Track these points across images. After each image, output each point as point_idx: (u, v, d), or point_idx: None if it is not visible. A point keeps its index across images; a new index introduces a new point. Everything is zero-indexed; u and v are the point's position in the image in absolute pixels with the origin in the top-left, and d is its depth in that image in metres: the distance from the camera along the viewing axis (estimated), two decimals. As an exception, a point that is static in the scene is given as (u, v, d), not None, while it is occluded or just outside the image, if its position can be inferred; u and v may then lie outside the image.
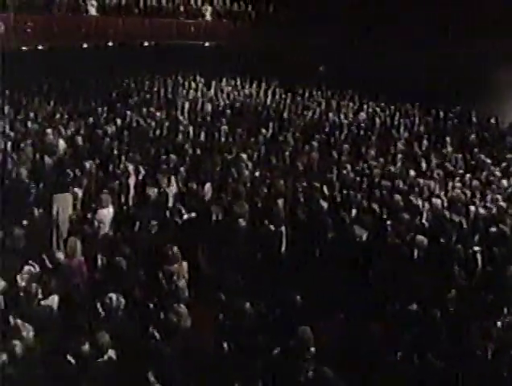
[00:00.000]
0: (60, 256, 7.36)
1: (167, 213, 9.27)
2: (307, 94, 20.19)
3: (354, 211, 9.57)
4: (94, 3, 21.36)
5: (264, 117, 16.63)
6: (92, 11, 21.38)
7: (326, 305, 7.03)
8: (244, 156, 11.79)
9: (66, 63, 19.25)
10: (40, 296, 6.61)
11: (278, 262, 8.25)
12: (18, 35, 18.42)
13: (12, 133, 12.73)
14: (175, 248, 7.34)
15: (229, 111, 16.69)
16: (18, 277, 6.87)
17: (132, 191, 10.25)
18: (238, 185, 10.10)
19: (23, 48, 19.01)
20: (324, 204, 9.65)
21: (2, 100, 15.82)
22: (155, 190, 9.69)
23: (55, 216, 9.03)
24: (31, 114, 14.57)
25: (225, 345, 5.96)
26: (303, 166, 12.00)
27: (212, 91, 19.63)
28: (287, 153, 12.76)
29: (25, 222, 8.58)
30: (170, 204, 9.78)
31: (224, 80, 21.27)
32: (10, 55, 18.15)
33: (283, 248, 8.62)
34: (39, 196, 9.43)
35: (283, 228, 8.69)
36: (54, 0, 19.94)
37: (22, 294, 6.71)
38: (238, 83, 21.27)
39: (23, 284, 6.78)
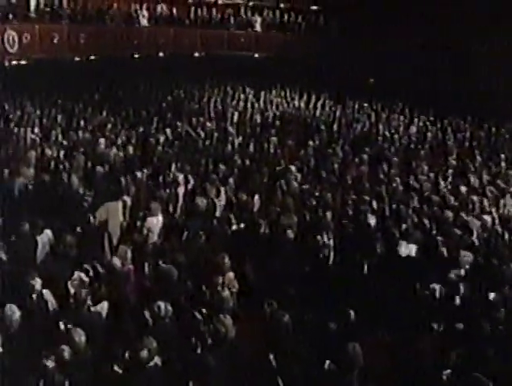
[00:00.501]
0: (117, 262, 7.47)
1: (216, 223, 9.37)
2: (356, 106, 20.10)
3: (404, 226, 9.46)
4: (146, 14, 21.85)
5: (313, 128, 16.64)
6: (144, 22, 21.90)
7: (374, 321, 6.96)
8: (293, 168, 11.83)
9: (118, 73, 19.80)
10: (90, 302, 6.71)
11: (325, 275, 8.21)
12: (71, 46, 19.00)
13: (65, 142, 13.13)
14: (226, 259, 7.39)
15: (278, 122, 16.80)
16: (69, 284, 7.02)
17: (181, 201, 10.38)
18: (287, 197, 10.13)
19: (76, 58, 19.59)
20: (373, 218, 9.58)
21: (55, 109, 16.40)
22: (204, 200, 9.78)
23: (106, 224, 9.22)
24: (83, 123, 14.97)
25: (272, 357, 5.96)
26: (352, 178, 11.95)
27: (262, 102, 19.76)
28: (336, 165, 12.73)
29: (78, 229, 8.76)
30: (218, 214, 9.89)
31: (273, 91, 21.39)
32: (63, 64, 18.88)
33: (331, 261, 8.59)
34: (91, 204, 9.62)
35: (331, 241, 8.67)
36: (107, 11, 20.50)
37: (72, 301, 6.87)
38: (288, 94, 21.36)
39: (73, 290, 6.91)
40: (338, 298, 7.11)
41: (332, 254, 8.65)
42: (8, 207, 9.23)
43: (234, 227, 9.02)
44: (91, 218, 8.92)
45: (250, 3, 24.86)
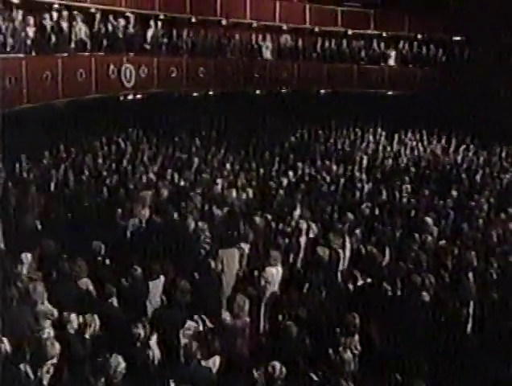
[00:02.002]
0: (227, 316, 7.79)
1: (339, 277, 9.49)
2: (504, 153, 19.54)
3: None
4: (269, 46, 22.54)
5: (453, 177, 16.41)
6: (267, 55, 22.58)
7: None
8: (429, 220, 11.72)
9: (237, 109, 20.54)
10: (200, 356, 6.87)
11: (462, 346, 8.05)
12: (189, 80, 20.04)
13: (182, 182, 13.92)
14: (357, 319, 7.47)
15: (412, 168, 16.76)
16: (181, 333, 7.40)
17: (302, 251, 10.62)
18: (420, 252, 10.08)
19: (194, 94, 20.57)
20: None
21: (171, 146, 17.39)
22: (327, 251, 9.97)
23: (222, 272, 9.61)
24: (201, 162, 15.80)
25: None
26: (498, 236, 11.65)
27: (395, 145, 19.77)
28: (480, 220, 12.47)
29: (193, 275, 9.21)
30: (342, 268, 10.03)
31: (408, 133, 21.33)
32: (180, 100, 19.93)
33: (469, 329, 8.42)
34: (207, 249, 10.09)
35: (471, 307, 8.50)
36: (228, 42, 21.39)
37: (181, 351, 7.21)
38: (424, 137, 21.21)
39: (185, 340, 7.23)
40: (476, 376, 6.96)
41: (471, 322, 8.47)
42: (120, 249, 9.93)
43: (360, 282, 9.09)
44: (209, 264, 9.30)
45: (384, 34, 24.92)
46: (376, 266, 9.71)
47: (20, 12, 13.71)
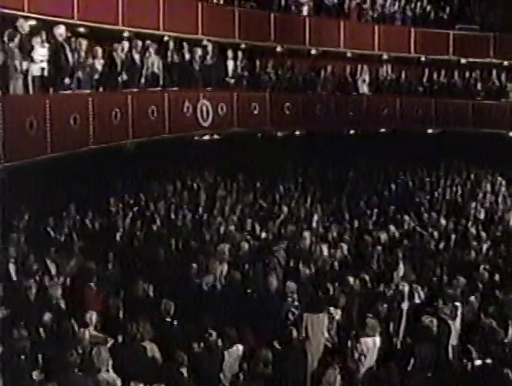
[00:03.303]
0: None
1: (450, 353, 9.26)
2: None
3: None
4: (366, 78, 22.52)
5: None
6: (364, 89, 22.56)
7: None
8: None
9: (328, 152, 20.60)
10: None
11: None
12: (273, 118, 20.04)
13: (263, 234, 14.06)
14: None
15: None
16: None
17: (405, 319, 10.46)
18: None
19: (279, 133, 20.71)
20: None
21: (252, 192, 17.62)
22: (435, 320, 9.77)
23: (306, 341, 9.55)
24: (285, 210, 15.93)
25: None
26: None
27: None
28: None
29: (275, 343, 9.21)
30: (453, 341, 9.79)
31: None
32: (263, 141, 20.14)
33: None
34: (292, 313, 10.07)
35: None
36: (317, 75, 21.51)
37: None
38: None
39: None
40: None
41: None
42: (192, 309, 10.05)
43: (478, 362, 8.81)
44: (291, 330, 9.28)
45: (505, 63, 24.43)
46: (496, 343, 9.40)
47: (86, 42, 13.97)
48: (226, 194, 17.55)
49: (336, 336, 9.97)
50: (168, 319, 9.32)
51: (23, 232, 12.87)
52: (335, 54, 22.18)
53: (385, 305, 10.61)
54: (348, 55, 22.29)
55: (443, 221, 15.94)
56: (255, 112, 19.47)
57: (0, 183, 9.50)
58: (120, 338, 8.95)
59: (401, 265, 12.13)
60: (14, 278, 10.94)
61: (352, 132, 22.20)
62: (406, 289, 10.83)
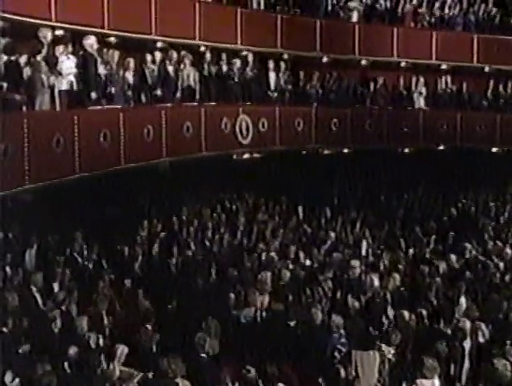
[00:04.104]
0: None
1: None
2: None
3: None
4: (423, 91, 22.31)
5: None
6: (421, 103, 22.36)
7: None
8: None
9: (379, 171, 20.57)
10: None
11: None
12: (319, 135, 19.99)
13: (308, 261, 14.08)
14: None
15: None
16: None
17: (467, 360, 10.34)
18: None
19: (325, 152, 20.66)
20: None
21: (294, 216, 17.62)
22: (507, 363, 9.57)
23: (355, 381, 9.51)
24: (331, 236, 15.91)
25: None
26: None
27: None
28: None
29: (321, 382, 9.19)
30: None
31: None
32: (308, 159, 20.11)
33: None
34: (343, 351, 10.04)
35: None
36: (368, 88, 21.42)
37: None
38: None
39: None
40: None
41: None
42: (229, 344, 10.05)
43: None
44: (339, 370, 9.25)
45: None
46: None
47: (117, 53, 14.14)
48: (267, 217, 17.57)
49: (388, 377, 9.88)
50: (203, 355, 9.33)
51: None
52: (387, 64, 22.03)
53: (444, 344, 10.51)
54: (403, 64, 22.14)
55: (509, 251, 15.70)
56: (299, 128, 19.51)
57: (25, 205, 9.65)
58: (150, 375, 8.97)
59: (462, 299, 12.03)
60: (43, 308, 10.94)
61: (406, 150, 22.06)
62: (468, 326, 10.69)
